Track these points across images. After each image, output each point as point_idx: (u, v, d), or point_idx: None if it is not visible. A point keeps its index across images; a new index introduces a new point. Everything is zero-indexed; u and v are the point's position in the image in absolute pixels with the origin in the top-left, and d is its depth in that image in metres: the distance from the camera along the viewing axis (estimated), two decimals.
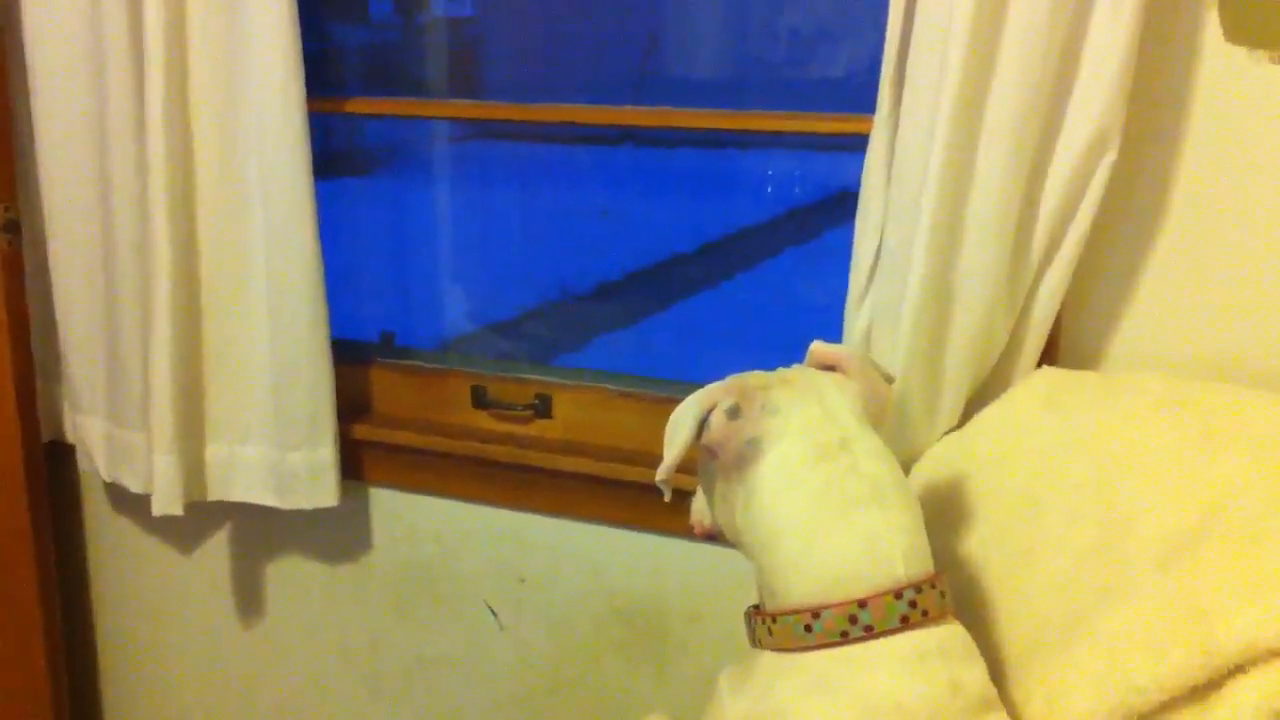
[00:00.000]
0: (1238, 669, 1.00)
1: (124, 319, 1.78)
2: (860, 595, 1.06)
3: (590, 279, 2.89)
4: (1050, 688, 1.12)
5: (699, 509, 1.24)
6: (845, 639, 1.05)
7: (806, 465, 1.10)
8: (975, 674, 1.09)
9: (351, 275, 1.90)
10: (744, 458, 1.12)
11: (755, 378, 1.17)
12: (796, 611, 1.07)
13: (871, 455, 1.11)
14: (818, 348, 1.21)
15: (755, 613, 1.15)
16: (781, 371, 1.19)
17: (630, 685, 1.80)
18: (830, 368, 1.19)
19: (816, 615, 1.06)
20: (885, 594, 1.06)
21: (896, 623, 1.05)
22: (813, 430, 1.11)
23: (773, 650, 1.11)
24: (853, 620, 1.05)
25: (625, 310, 2.84)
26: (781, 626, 1.09)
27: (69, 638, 2.10)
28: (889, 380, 1.21)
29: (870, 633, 1.05)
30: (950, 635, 1.09)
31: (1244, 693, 0.99)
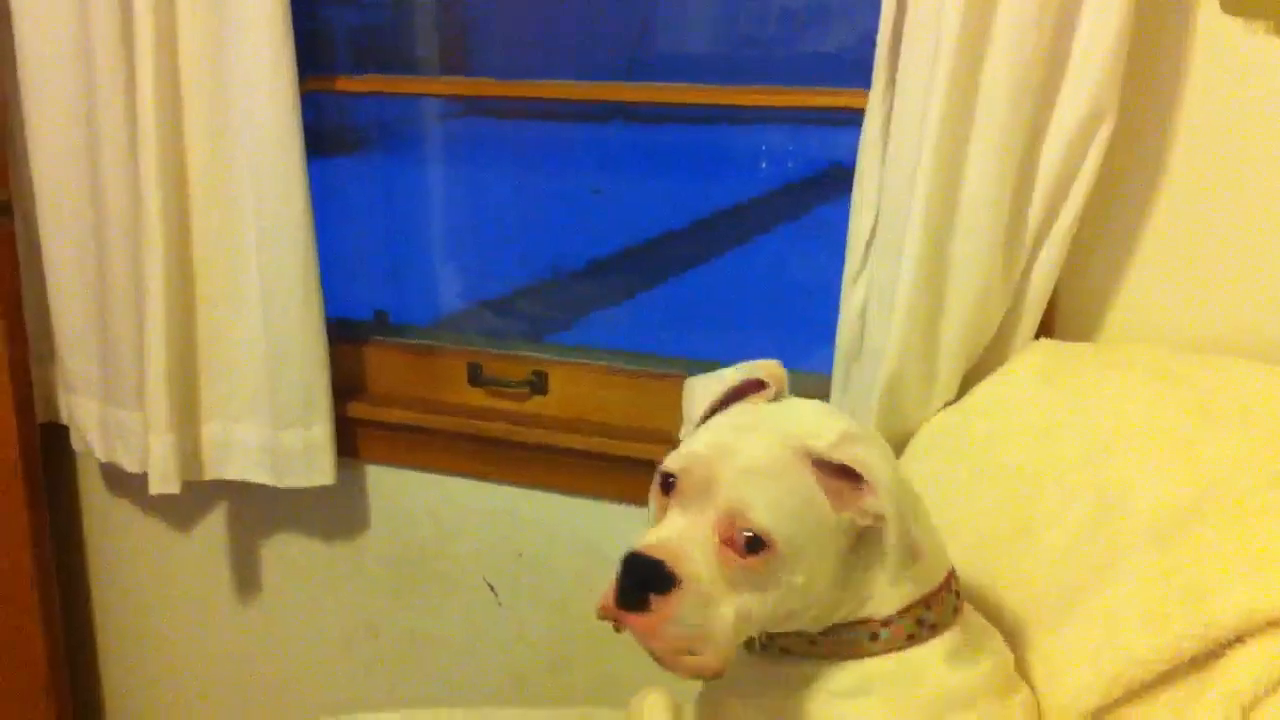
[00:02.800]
0: (1236, 639, 1.01)
1: (117, 300, 1.78)
2: (924, 595, 1.06)
3: (583, 256, 2.88)
4: (1048, 661, 1.13)
5: (719, 650, 1.01)
6: (912, 641, 1.06)
7: None
8: (1003, 645, 1.12)
9: (344, 254, 1.89)
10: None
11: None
12: (858, 623, 1.07)
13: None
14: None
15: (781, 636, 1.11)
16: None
17: (629, 661, 1.80)
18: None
19: (886, 624, 1.06)
20: (942, 590, 1.08)
21: (951, 616, 1.08)
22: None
23: (802, 657, 1.09)
24: (920, 622, 1.06)
25: (618, 287, 2.83)
26: (837, 640, 1.07)
27: (66, 618, 2.10)
28: None
29: (934, 631, 1.07)
30: (975, 616, 1.12)
31: (1243, 662, 1.00)
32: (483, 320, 2.54)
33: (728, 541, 0.99)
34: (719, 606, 0.98)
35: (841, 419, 1.08)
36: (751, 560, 0.98)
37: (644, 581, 0.99)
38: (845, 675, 1.07)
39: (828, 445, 1.01)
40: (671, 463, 1.05)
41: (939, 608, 1.07)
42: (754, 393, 1.11)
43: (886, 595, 1.06)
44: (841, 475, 1.00)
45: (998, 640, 1.12)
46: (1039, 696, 1.13)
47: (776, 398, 1.11)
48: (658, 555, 0.99)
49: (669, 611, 0.98)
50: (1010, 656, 1.12)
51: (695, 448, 1.05)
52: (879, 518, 1.00)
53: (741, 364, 1.13)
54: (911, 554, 1.02)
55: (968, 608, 1.12)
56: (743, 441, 1.03)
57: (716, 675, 1.01)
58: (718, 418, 1.10)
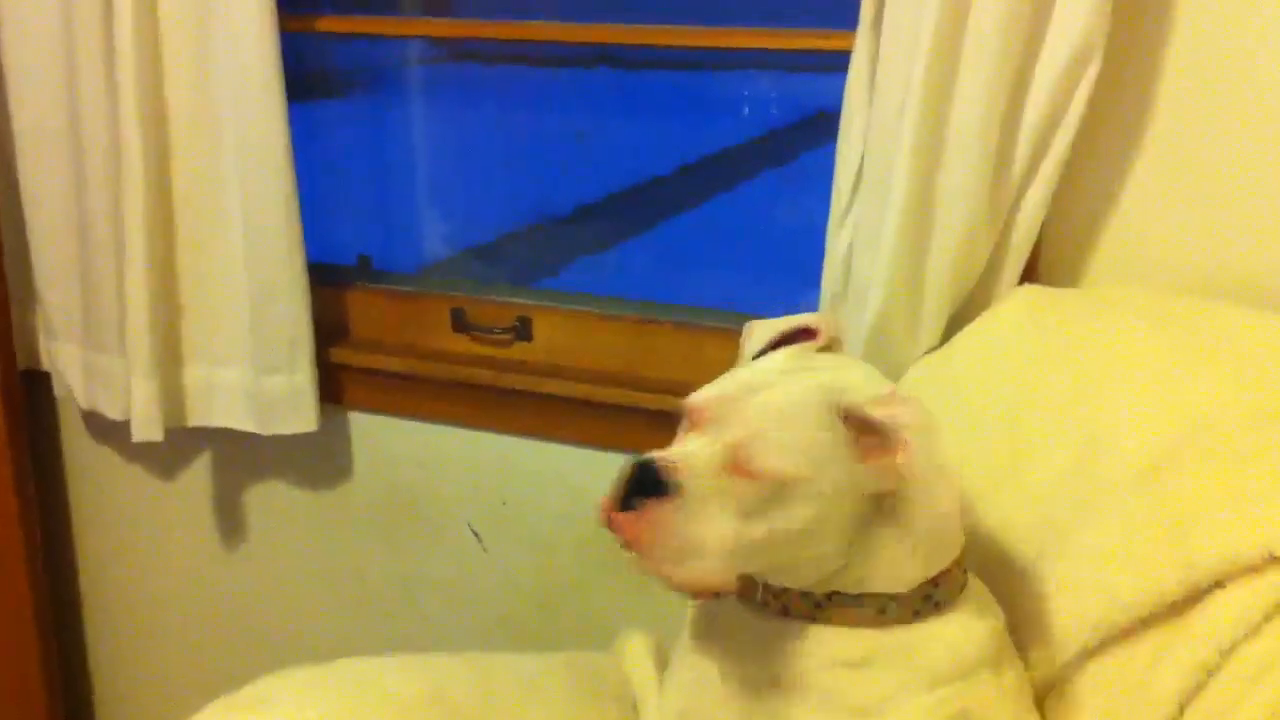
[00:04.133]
0: (1216, 584, 1.01)
1: (97, 244, 1.77)
2: (934, 573, 1.05)
3: (568, 202, 2.87)
4: (1034, 602, 1.13)
5: (710, 566, 1.00)
6: (917, 617, 1.05)
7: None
8: (997, 609, 1.11)
9: (327, 199, 1.88)
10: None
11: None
12: (870, 595, 1.05)
13: None
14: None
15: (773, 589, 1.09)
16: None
17: (615, 604, 1.81)
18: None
19: (894, 599, 1.05)
20: (953, 568, 1.07)
21: (958, 593, 1.07)
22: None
23: (804, 619, 1.07)
24: (927, 599, 1.05)
25: (603, 233, 2.83)
26: (839, 606, 1.06)
27: (50, 566, 2.10)
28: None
29: (939, 609, 1.05)
30: (977, 583, 1.11)
31: (1222, 607, 1.00)
32: (467, 266, 2.53)
33: (734, 467, 0.97)
34: (715, 523, 0.96)
35: (888, 385, 1.07)
36: (756, 484, 0.96)
37: (640, 486, 0.97)
38: (846, 644, 1.05)
39: (865, 399, 0.99)
40: (695, 396, 1.04)
41: (948, 585, 1.06)
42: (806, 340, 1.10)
43: (902, 569, 1.04)
44: (874, 433, 0.98)
45: (994, 610, 1.11)
46: (1024, 638, 1.13)
47: (830, 348, 1.10)
48: (659, 464, 0.97)
49: (658, 517, 0.96)
50: (1003, 624, 1.10)
51: (724, 383, 1.04)
52: (904, 482, 0.98)
53: (804, 314, 1.12)
54: (933, 529, 1.02)
55: (972, 580, 1.10)
56: (774, 381, 1.02)
57: (708, 594, 1.01)
58: (760, 360, 1.09)
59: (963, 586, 1.08)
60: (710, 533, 0.96)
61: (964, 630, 1.05)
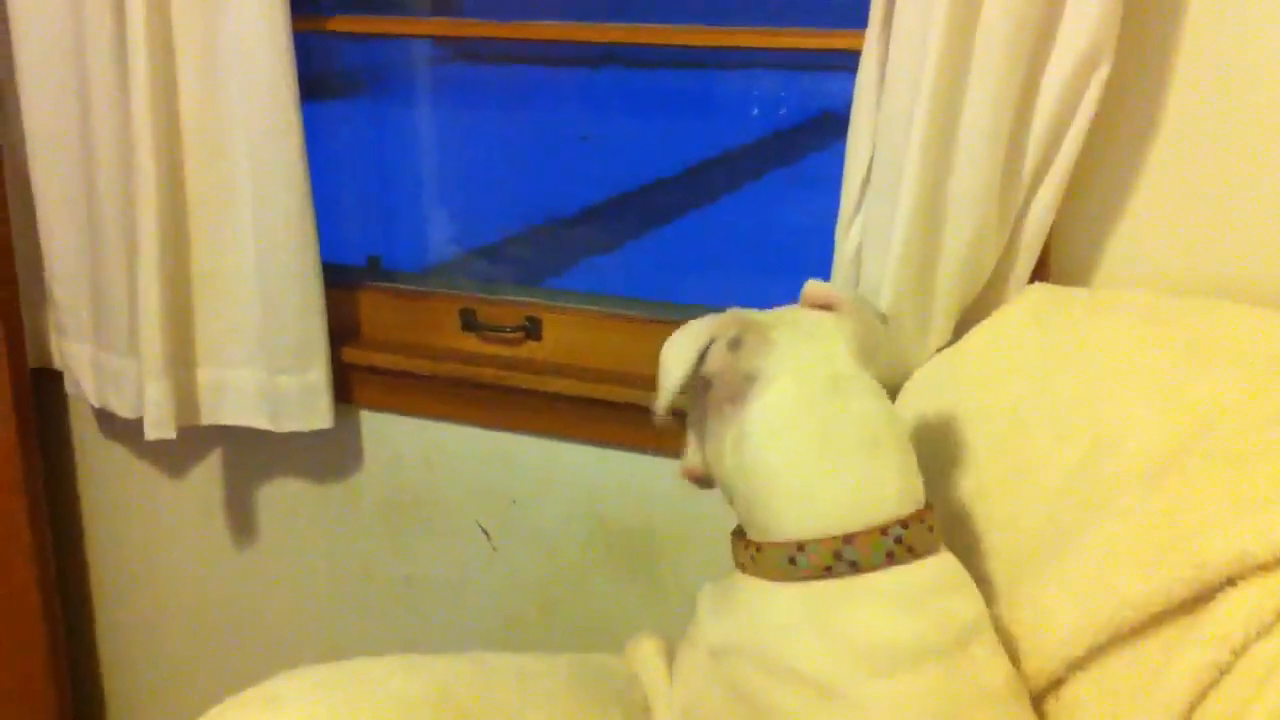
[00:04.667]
0: (1227, 582, 1.01)
1: (109, 245, 1.77)
2: (847, 532, 1.06)
3: (574, 203, 2.88)
4: (1038, 603, 1.13)
5: (691, 456, 1.22)
6: (829, 574, 1.05)
7: (801, 406, 1.10)
8: (966, 604, 1.09)
9: (335, 199, 1.88)
10: (739, 393, 1.11)
11: (754, 313, 1.16)
12: (781, 544, 1.08)
13: (866, 396, 1.11)
14: (812, 287, 1.19)
15: (739, 537, 1.15)
16: (779, 310, 1.18)
17: (620, 606, 1.81)
18: (825, 307, 1.17)
19: (801, 549, 1.06)
20: (872, 531, 1.06)
21: (882, 560, 1.05)
22: (809, 370, 1.11)
23: (755, 576, 1.11)
24: (838, 556, 1.05)
25: (610, 233, 2.83)
26: (766, 556, 1.09)
27: (60, 563, 2.10)
28: (883, 320, 1.20)
29: (855, 569, 1.05)
30: (937, 568, 1.09)
31: (1233, 606, 1.00)
32: (475, 267, 2.53)
33: None
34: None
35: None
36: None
37: None
38: (780, 602, 1.08)
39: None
40: None
41: (864, 549, 1.05)
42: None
43: (787, 516, 1.08)
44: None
45: (963, 596, 1.10)
46: (1028, 639, 1.12)
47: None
48: None
49: None
50: (970, 613, 1.09)
51: None
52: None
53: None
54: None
55: (940, 561, 1.09)
56: None
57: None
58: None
59: (892, 556, 1.05)
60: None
61: (900, 609, 1.05)
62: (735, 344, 1.11)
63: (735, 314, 1.14)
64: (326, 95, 2.33)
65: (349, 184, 2.45)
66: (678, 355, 1.12)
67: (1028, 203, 1.37)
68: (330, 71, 2.38)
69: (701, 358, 1.11)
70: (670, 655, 1.33)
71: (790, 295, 1.21)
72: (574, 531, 1.82)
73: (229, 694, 1.27)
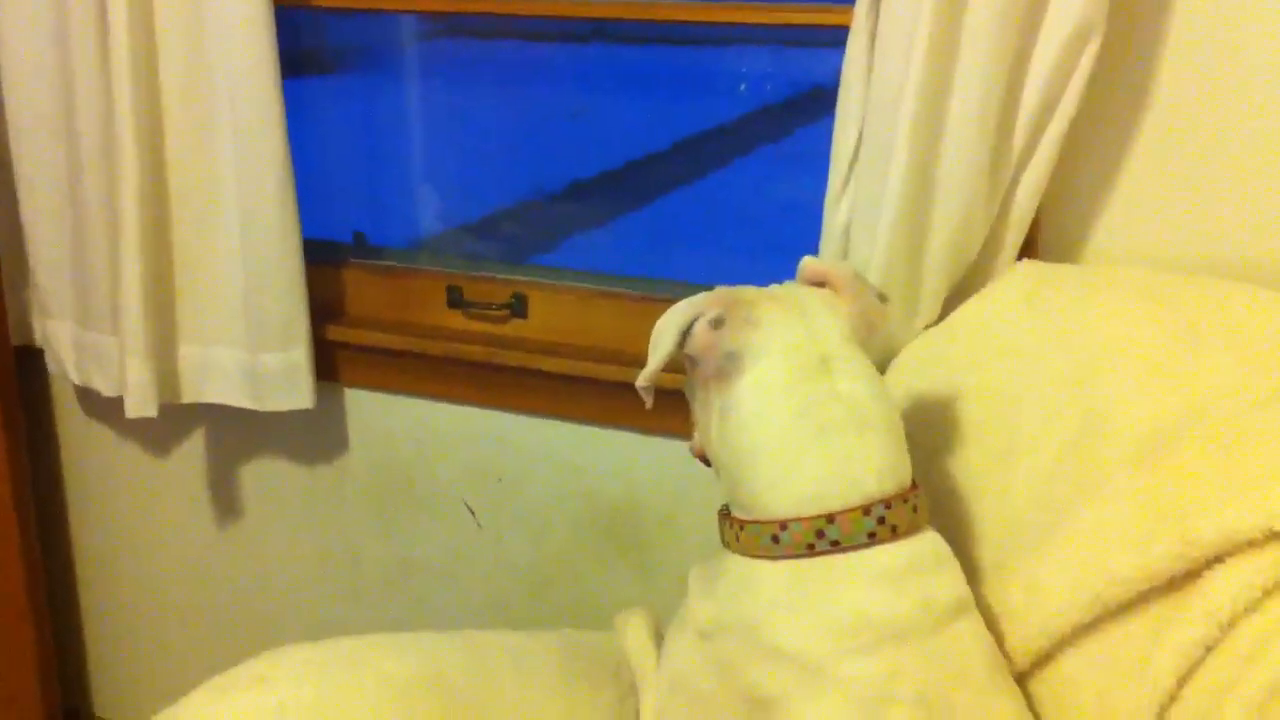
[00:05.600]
0: (1216, 559, 1.00)
1: (91, 225, 1.76)
2: (829, 511, 1.06)
3: (562, 178, 2.86)
4: (1028, 583, 1.13)
5: (697, 435, 1.22)
6: (811, 551, 1.05)
7: (786, 384, 1.09)
8: (947, 583, 1.09)
9: (321, 176, 1.87)
10: (724, 371, 1.11)
11: (742, 291, 1.15)
12: (764, 522, 1.08)
13: (853, 376, 1.10)
14: (808, 263, 1.19)
15: (725, 515, 1.15)
16: (773, 287, 1.18)
17: (609, 584, 1.81)
18: (821, 284, 1.17)
19: (784, 527, 1.06)
20: (854, 510, 1.06)
21: (864, 539, 1.05)
22: (795, 348, 1.10)
23: (740, 554, 1.11)
24: (820, 534, 1.05)
25: (598, 209, 2.82)
26: (749, 534, 1.09)
27: (43, 541, 2.09)
28: (882, 299, 1.19)
29: (836, 547, 1.05)
30: (921, 547, 1.08)
31: (1221, 583, 1.00)
32: (462, 243, 2.52)
33: None
34: None
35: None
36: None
37: None
38: (764, 580, 1.08)
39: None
40: None
41: (846, 528, 1.05)
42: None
43: (770, 494, 1.08)
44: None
45: (946, 576, 1.09)
46: (1015, 617, 1.12)
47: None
48: None
49: None
50: (952, 592, 1.08)
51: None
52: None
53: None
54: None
55: (924, 540, 1.09)
56: None
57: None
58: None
59: (875, 536, 1.05)
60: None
61: (881, 588, 1.05)
62: (718, 322, 1.11)
63: (721, 292, 1.14)
64: (313, 71, 2.31)
65: (335, 160, 2.43)
66: (660, 334, 1.13)
67: (1016, 179, 1.37)
68: (317, 47, 2.37)
69: (685, 336, 1.11)
70: (658, 631, 1.34)
71: (782, 270, 1.21)
72: (563, 510, 1.81)
73: (215, 672, 1.26)
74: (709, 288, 1.16)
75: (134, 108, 1.64)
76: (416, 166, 2.59)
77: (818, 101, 1.64)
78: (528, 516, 1.84)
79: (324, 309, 1.83)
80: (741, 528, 1.10)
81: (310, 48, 2.29)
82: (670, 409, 1.23)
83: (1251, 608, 0.98)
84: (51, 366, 1.93)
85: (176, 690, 1.26)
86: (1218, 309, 1.21)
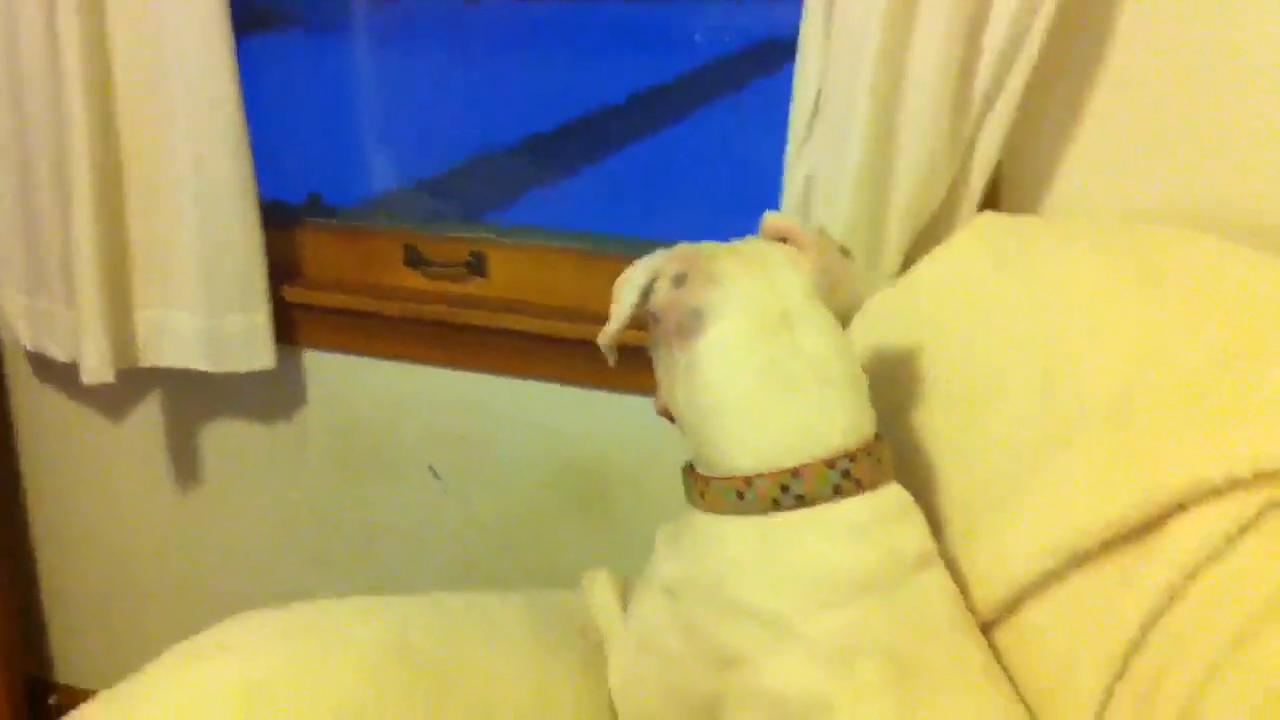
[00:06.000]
0: (1179, 507, 1.01)
1: (39, 187, 1.73)
2: (793, 465, 1.06)
3: (516, 134, 2.85)
4: (994, 535, 1.13)
5: (660, 392, 1.21)
6: (777, 507, 1.06)
7: (748, 341, 1.09)
8: (911, 534, 1.09)
9: (271, 134, 1.85)
10: (686, 329, 1.10)
11: (704, 247, 1.14)
12: (730, 479, 1.08)
13: (816, 331, 1.10)
14: (770, 218, 1.18)
15: (690, 472, 1.15)
16: (733, 243, 1.17)
17: (576, 543, 1.81)
18: (783, 239, 1.16)
19: (749, 483, 1.06)
20: (818, 463, 1.06)
21: (829, 493, 1.05)
22: (757, 304, 1.10)
23: (705, 512, 1.11)
24: (784, 489, 1.05)
25: (554, 165, 2.81)
26: (714, 491, 1.09)
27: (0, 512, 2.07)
28: (845, 253, 1.19)
29: (801, 502, 1.05)
30: (885, 499, 1.09)
31: (1185, 530, 1.00)
32: (417, 200, 2.50)
33: None
34: None
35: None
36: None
37: None
38: (729, 536, 1.08)
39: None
40: None
41: (811, 482, 1.05)
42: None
43: (734, 451, 1.08)
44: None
45: (910, 528, 1.10)
46: (981, 569, 1.13)
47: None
48: None
49: None
50: (917, 544, 1.09)
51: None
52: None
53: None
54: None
55: (888, 492, 1.09)
56: None
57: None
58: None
59: (837, 488, 1.06)
60: None
61: (846, 540, 1.05)
62: (680, 279, 1.10)
63: (682, 249, 1.13)
64: (262, 28, 2.28)
65: (287, 119, 2.40)
66: (621, 292, 1.13)
67: (978, 128, 1.36)
68: (267, 4, 2.34)
69: (647, 294, 1.11)
70: (623, 589, 1.34)
71: (740, 224, 1.21)
72: (528, 470, 1.81)
73: (179, 638, 1.25)
74: (670, 244, 1.15)
75: (82, 69, 1.60)
76: (368, 125, 2.57)
77: (772, 52, 1.63)
78: (493, 477, 1.83)
79: (280, 270, 1.80)
80: (706, 484, 1.10)
81: (262, 6, 2.26)
82: (635, 366, 1.22)
83: (1214, 555, 0.99)
84: (3, 332, 1.90)
85: (141, 656, 1.25)
86: (1180, 259, 1.21)
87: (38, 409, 2.07)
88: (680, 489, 1.17)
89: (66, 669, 2.25)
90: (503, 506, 1.84)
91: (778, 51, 1.49)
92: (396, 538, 1.92)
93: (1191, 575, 1.00)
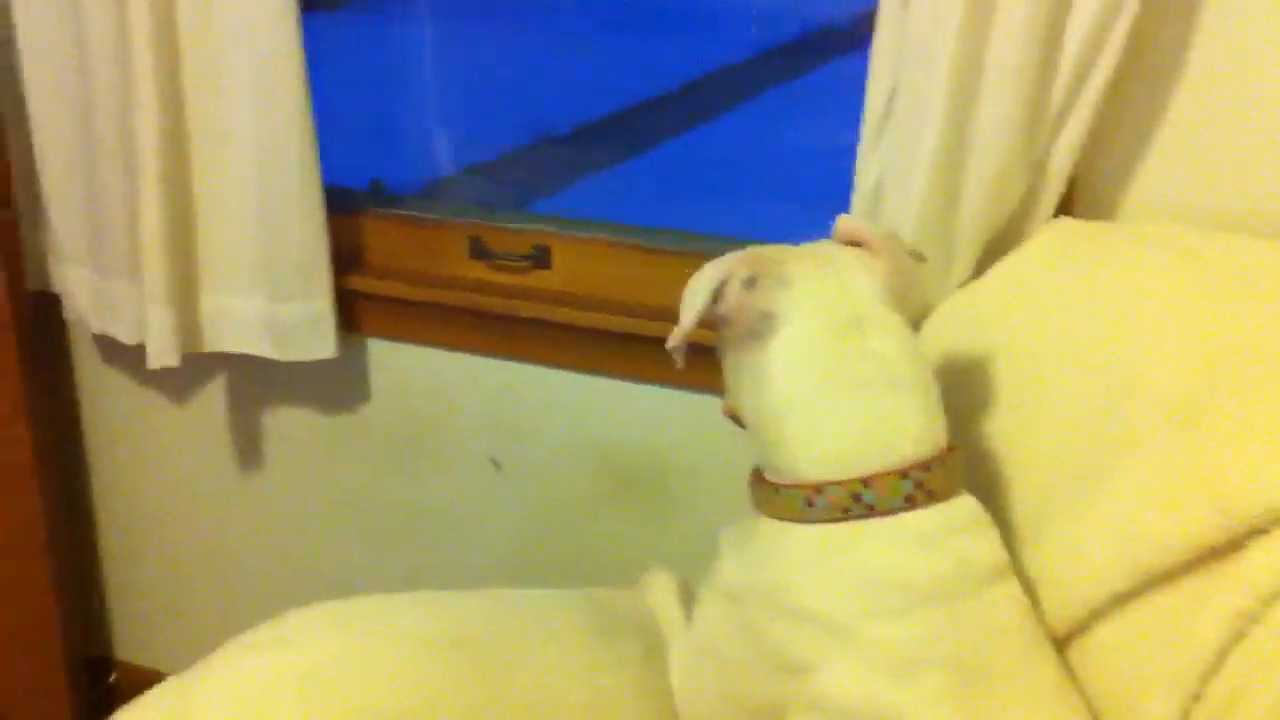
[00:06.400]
0: (1258, 530, 1.00)
1: (107, 167, 1.73)
2: (864, 474, 1.05)
3: (572, 120, 2.85)
4: (1068, 544, 1.12)
5: (728, 395, 1.21)
6: (847, 515, 1.05)
7: (818, 344, 1.08)
8: (985, 545, 1.08)
9: (333, 116, 1.85)
10: (756, 332, 1.10)
11: (774, 250, 1.14)
12: (799, 486, 1.07)
13: (887, 335, 1.09)
14: (842, 222, 1.17)
15: (758, 478, 1.14)
16: (806, 246, 1.16)
17: (630, 539, 1.81)
18: (856, 243, 1.15)
19: (819, 491, 1.06)
20: (890, 473, 1.05)
21: (900, 503, 1.05)
22: (827, 307, 1.09)
23: (773, 518, 1.10)
24: (856, 498, 1.05)
25: (607, 153, 2.80)
26: (784, 497, 1.09)
27: (64, 492, 2.09)
28: (919, 259, 1.18)
29: (872, 511, 1.05)
30: (957, 510, 1.08)
31: (1263, 555, 0.99)
32: (472, 185, 2.50)
33: None
34: None
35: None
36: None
37: None
38: (796, 543, 1.08)
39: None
40: None
41: (882, 492, 1.05)
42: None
43: (804, 458, 1.07)
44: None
45: (984, 539, 1.09)
46: (1055, 582, 1.12)
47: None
48: None
49: None
50: (991, 555, 1.08)
51: None
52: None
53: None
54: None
55: (960, 503, 1.08)
56: None
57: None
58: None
59: (909, 498, 1.05)
60: None
61: (917, 550, 1.04)
62: (750, 282, 1.09)
63: (752, 252, 1.12)
64: (314, 7, 2.29)
65: (347, 100, 2.41)
66: (692, 295, 1.11)
67: (1054, 135, 1.35)
68: None
69: (717, 297, 1.10)
70: (683, 590, 1.33)
71: (797, 219, 1.20)
72: (584, 463, 1.81)
73: (235, 618, 1.26)
74: (740, 243, 1.15)
75: (150, 49, 1.60)
76: (425, 109, 2.57)
77: (828, 40, 1.62)
78: (549, 469, 1.83)
79: (343, 259, 1.80)
80: (775, 491, 1.10)
81: None
82: (698, 364, 1.22)
83: None
84: (69, 314, 1.92)
85: (196, 637, 1.26)
86: (1251, 267, 1.20)
87: (103, 392, 2.09)
88: (737, 487, 1.17)
89: (127, 647, 2.27)
90: (557, 498, 1.84)
91: (834, 40, 1.48)
92: (450, 526, 1.92)
93: (1268, 600, 0.98)
